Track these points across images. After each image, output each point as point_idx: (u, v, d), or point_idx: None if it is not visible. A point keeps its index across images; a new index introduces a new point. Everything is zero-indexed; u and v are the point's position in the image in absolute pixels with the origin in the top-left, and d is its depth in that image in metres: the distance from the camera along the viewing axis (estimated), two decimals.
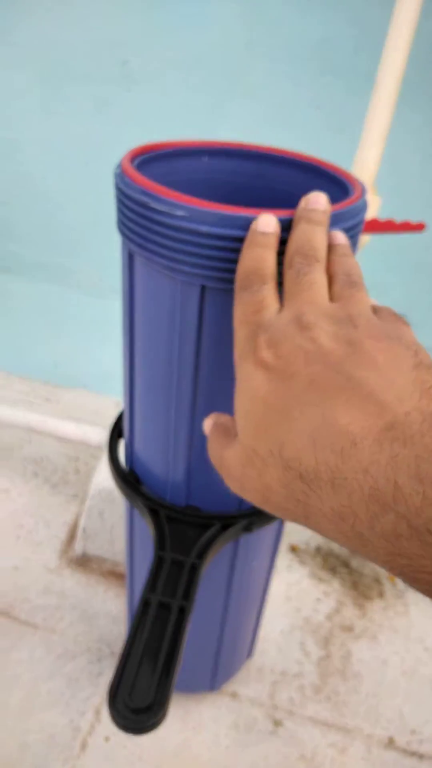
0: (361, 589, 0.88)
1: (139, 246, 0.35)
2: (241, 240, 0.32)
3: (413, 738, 0.70)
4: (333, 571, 0.90)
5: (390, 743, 0.69)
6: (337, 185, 0.40)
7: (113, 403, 1.16)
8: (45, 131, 1.01)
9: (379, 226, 0.69)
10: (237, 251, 0.32)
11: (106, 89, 0.95)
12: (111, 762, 0.65)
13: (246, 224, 0.31)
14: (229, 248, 0.32)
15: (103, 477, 0.83)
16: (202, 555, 0.44)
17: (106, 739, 0.67)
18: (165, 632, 0.39)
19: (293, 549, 0.93)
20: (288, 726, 0.70)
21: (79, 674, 0.74)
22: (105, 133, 0.99)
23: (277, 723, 0.70)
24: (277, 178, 0.45)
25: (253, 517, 0.48)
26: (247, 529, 0.48)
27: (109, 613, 0.81)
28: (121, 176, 0.36)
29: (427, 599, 0.87)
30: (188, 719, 0.70)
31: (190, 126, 0.95)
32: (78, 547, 0.88)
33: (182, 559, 0.44)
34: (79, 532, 0.87)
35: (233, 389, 0.28)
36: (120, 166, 0.37)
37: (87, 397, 1.18)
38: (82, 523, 0.86)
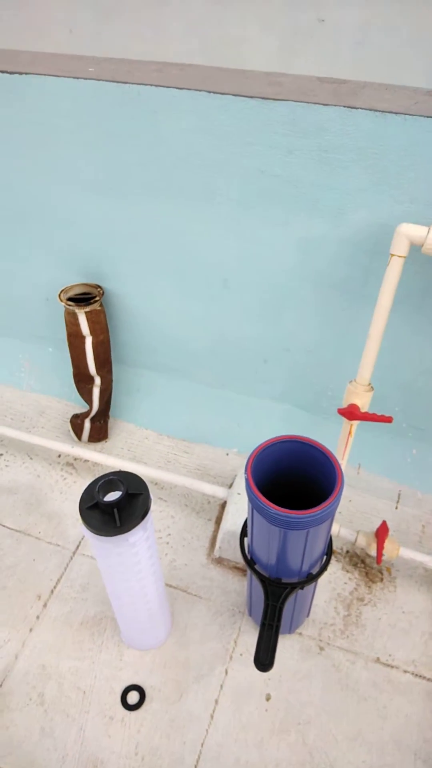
0: (370, 576, 1.49)
1: (251, 501, 0.95)
2: (287, 520, 0.91)
3: (389, 659, 1.33)
4: (355, 565, 1.51)
5: (377, 660, 1.33)
6: (329, 463, 0.98)
7: (224, 453, 1.78)
8: (177, 307, 1.59)
9: (365, 417, 1.23)
10: (290, 523, 0.91)
11: (213, 291, 1.50)
12: (244, 665, 1.33)
13: (287, 519, 0.90)
14: (287, 521, 0.91)
15: (229, 524, 1.46)
16: (283, 602, 1.07)
17: (241, 654, 1.35)
18: (270, 635, 1.02)
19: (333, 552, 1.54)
20: (327, 650, 1.35)
21: (225, 622, 1.41)
22: (209, 312, 1.55)
23: (321, 648, 1.35)
24: (303, 448, 1.03)
25: (303, 583, 1.09)
26: (301, 588, 1.10)
27: (236, 590, 1.47)
28: (246, 480, 0.95)
29: (409, 583, 1.47)
30: (279, 645, 1.36)
31: (258, 321, 1.48)
32: (216, 553, 1.53)
33: (275, 605, 1.06)
34: (216, 548, 1.52)
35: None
36: (246, 472, 0.96)
37: (209, 449, 1.81)
38: (217, 544, 1.51)
